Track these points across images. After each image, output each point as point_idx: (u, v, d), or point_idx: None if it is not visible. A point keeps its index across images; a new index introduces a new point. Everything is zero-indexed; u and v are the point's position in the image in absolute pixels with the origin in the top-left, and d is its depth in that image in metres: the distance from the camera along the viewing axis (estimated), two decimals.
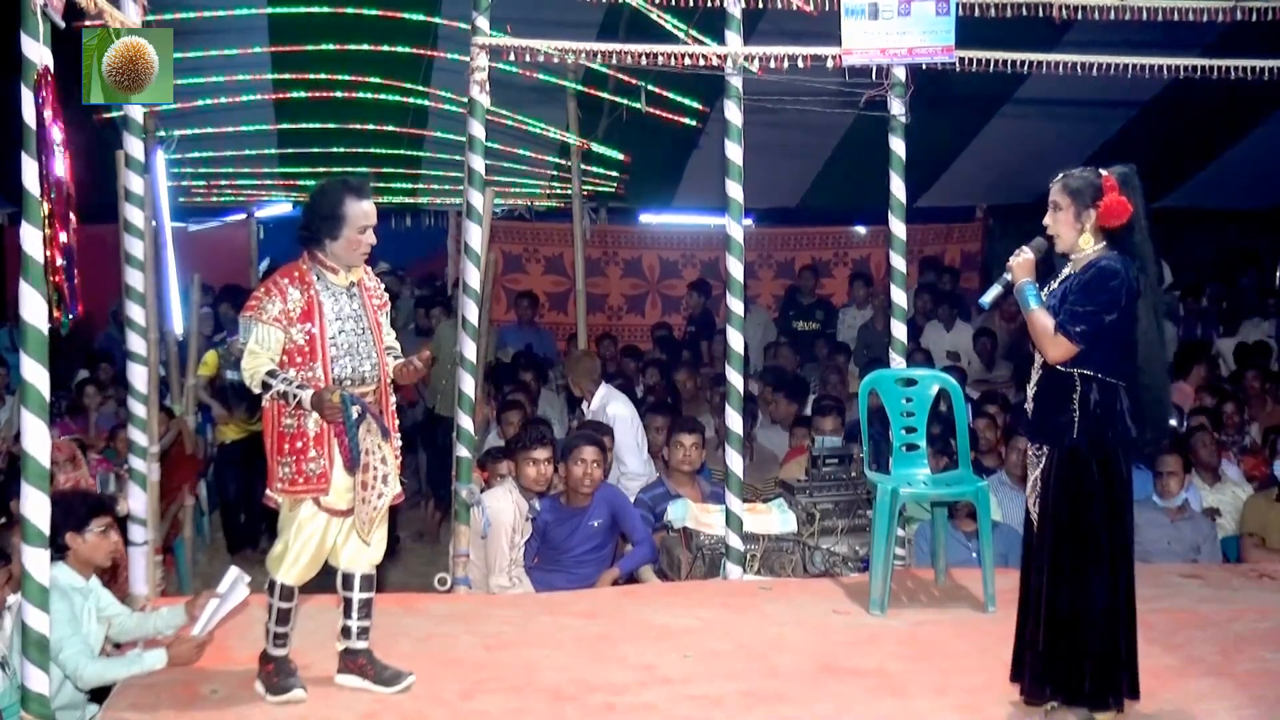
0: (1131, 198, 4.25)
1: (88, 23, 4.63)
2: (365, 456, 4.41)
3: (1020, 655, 4.46)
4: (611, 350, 11.02)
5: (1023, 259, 4.39)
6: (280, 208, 13.15)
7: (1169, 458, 6.74)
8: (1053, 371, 4.30)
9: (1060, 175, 4.38)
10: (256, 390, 4.41)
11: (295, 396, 4.31)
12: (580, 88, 9.30)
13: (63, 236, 4.06)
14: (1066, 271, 4.38)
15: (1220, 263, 13.75)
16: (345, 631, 4.64)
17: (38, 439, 4.07)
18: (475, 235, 6.13)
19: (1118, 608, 4.25)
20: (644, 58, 5.90)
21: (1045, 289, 4.43)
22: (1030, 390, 4.42)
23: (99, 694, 4.81)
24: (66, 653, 4.62)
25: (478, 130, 6.01)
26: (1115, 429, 4.23)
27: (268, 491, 4.51)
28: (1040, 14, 5.89)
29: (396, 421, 4.63)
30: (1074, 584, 4.23)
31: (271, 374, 4.34)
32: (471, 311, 6.08)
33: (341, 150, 10.81)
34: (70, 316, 4.13)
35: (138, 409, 5.73)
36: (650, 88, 7.73)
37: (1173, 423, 7.54)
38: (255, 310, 4.39)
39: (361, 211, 4.42)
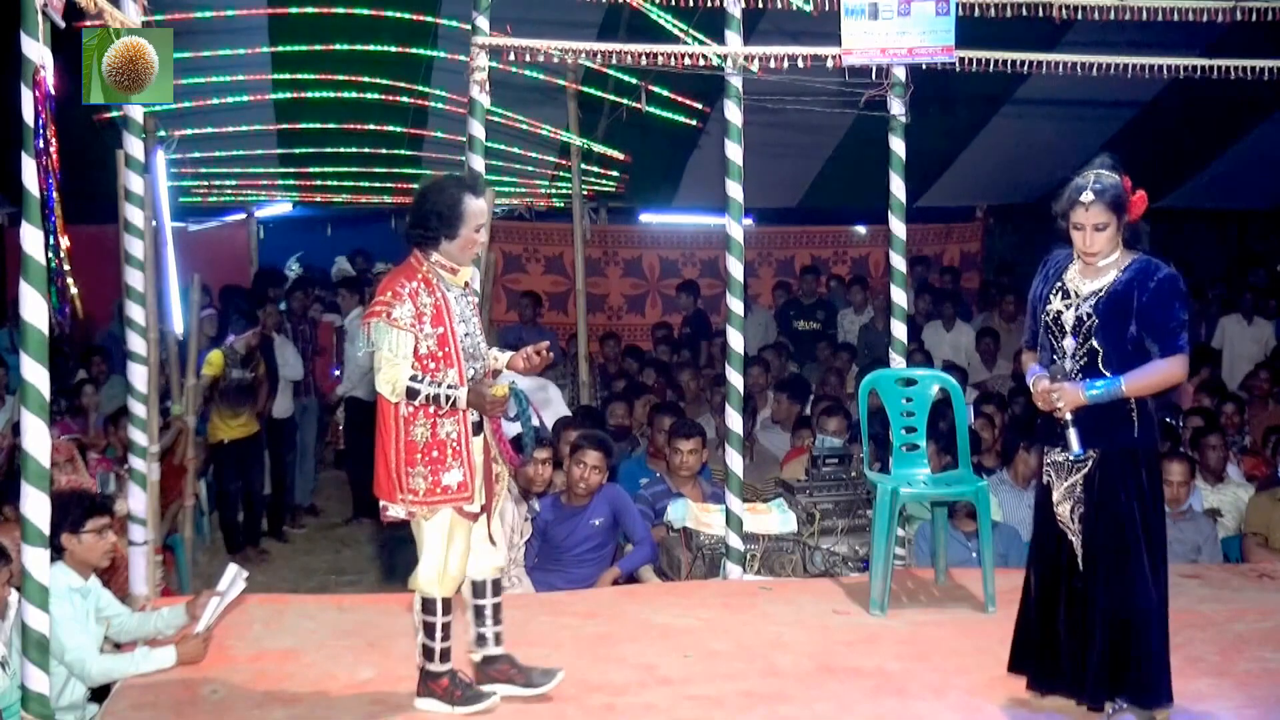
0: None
1: (88, 23, 4.63)
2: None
3: (1049, 660, 4.38)
4: (614, 350, 11.02)
5: (1063, 393, 4.20)
6: (280, 208, 13.15)
7: (1175, 465, 6.69)
8: (1100, 377, 4.22)
9: (1093, 193, 4.19)
10: (396, 400, 4.23)
11: (449, 398, 4.19)
12: (580, 88, 9.31)
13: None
14: (1101, 283, 4.24)
15: (1224, 262, 13.77)
16: (481, 639, 4.55)
17: (38, 439, 4.07)
18: None
19: (1165, 605, 4.26)
20: (644, 58, 5.90)
21: (1062, 290, 4.31)
22: None
23: (99, 694, 4.82)
24: (72, 653, 4.63)
25: (478, 130, 6.01)
26: (1158, 425, 4.24)
27: (389, 508, 4.33)
28: (1040, 14, 5.89)
29: None
30: (1139, 585, 4.18)
31: (415, 379, 4.20)
32: None
33: (341, 150, 10.82)
34: (59, 318, 4.12)
35: (138, 409, 5.73)
36: (650, 88, 7.73)
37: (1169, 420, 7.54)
38: (384, 316, 4.21)
39: (479, 209, 4.34)
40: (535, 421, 4.55)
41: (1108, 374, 4.21)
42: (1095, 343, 4.24)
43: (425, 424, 4.25)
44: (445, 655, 4.44)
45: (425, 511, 4.31)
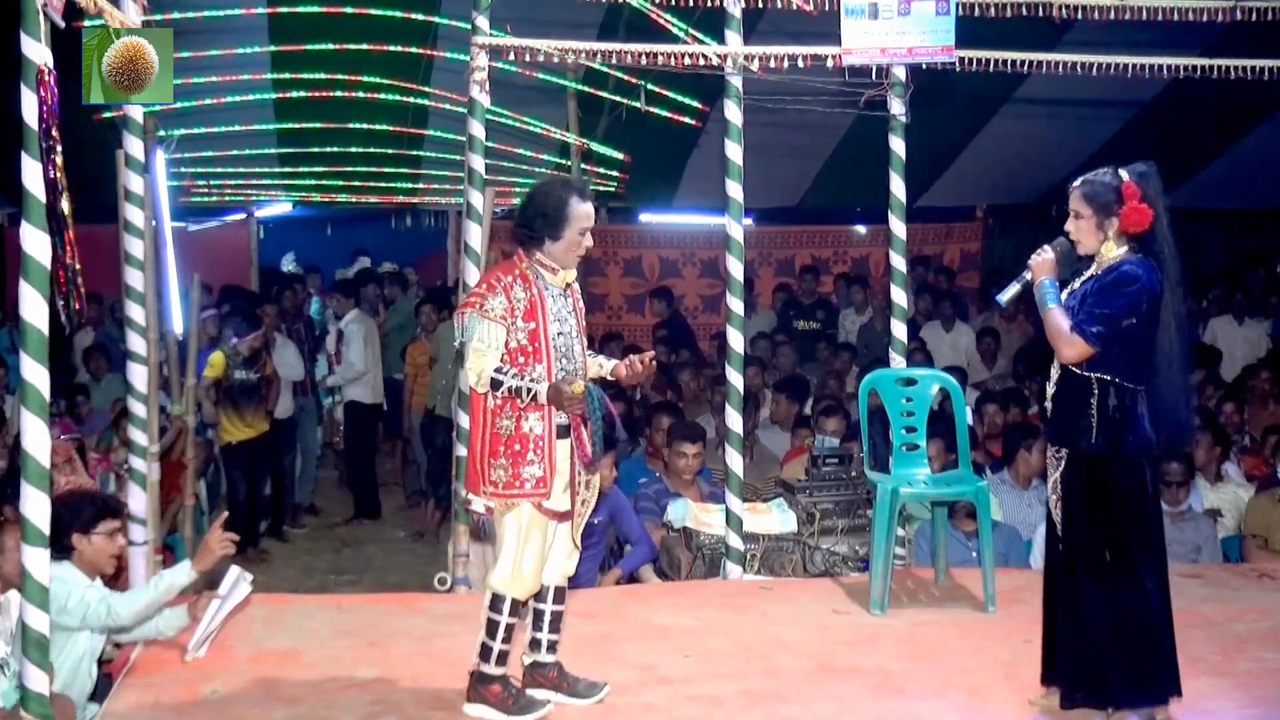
0: (1154, 200, 4.23)
1: (88, 23, 4.62)
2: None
3: (1053, 659, 4.41)
4: (617, 350, 11.02)
5: (1043, 258, 4.34)
6: (280, 208, 13.15)
7: (1175, 466, 6.71)
8: (1071, 374, 4.26)
9: (1080, 181, 4.31)
10: (482, 390, 4.27)
11: (530, 391, 4.19)
12: (580, 87, 9.31)
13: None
14: (1090, 273, 4.33)
15: (1224, 262, 13.77)
16: (534, 644, 4.53)
17: (38, 439, 4.07)
18: (475, 235, 6.13)
19: (1153, 607, 4.25)
20: (644, 58, 5.89)
21: (1066, 289, 4.37)
22: (1050, 390, 4.38)
23: (99, 694, 4.82)
24: (94, 608, 4.64)
25: (478, 130, 6.01)
26: (1135, 433, 4.20)
27: (471, 498, 4.36)
28: (1040, 14, 5.89)
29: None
30: (1105, 588, 4.20)
31: (500, 371, 4.22)
32: None
33: (341, 150, 10.82)
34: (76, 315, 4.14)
35: (138, 409, 5.73)
36: (650, 88, 7.73)
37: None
38: (478, 307, 4.26)
39: (585, 213, 4.33)
40: (609, 425, 4.46)
41: (1075, 365, 4.23)
42: None
43: (510, 417, 4.26)
44: (502, 658, 4.38)
45: (502, 505, 4.30)
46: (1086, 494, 4.24)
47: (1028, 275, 4.38)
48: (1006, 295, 4.49)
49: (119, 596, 4.75)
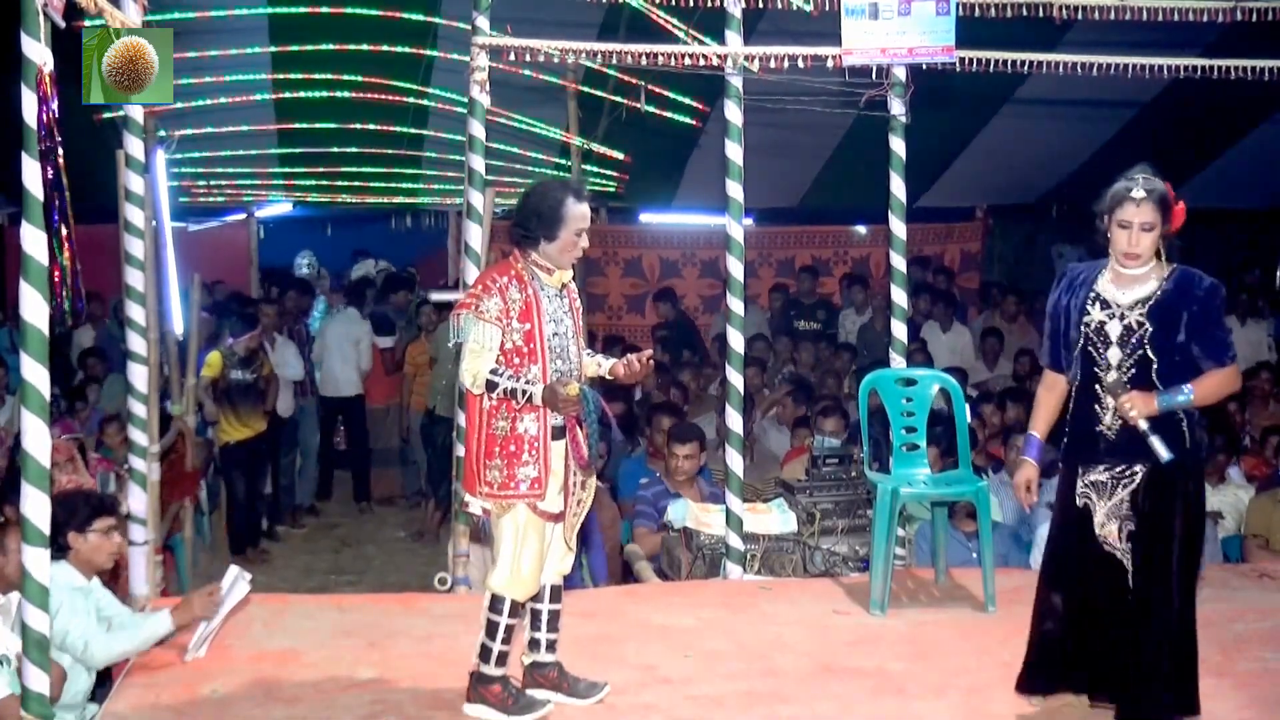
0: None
1: (88, 23, 4.62)
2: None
3: (1109, 676, 4.26)
4: (617, 352, 11.00)
5: (1138, 405, 4.09)
6: (280, 208, 13.15)
7: None
8: (1150, 387, 4.13)
9: (1140, 193, 4.11)
10: (478, 391, 4.27)
11: (525, 393, 4.19)
12: (580, 87, 9.31)
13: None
14: (1144, 291, 4.18)
15: (1224, 262, 13.76)
16: (534, 644, 4.53)
17: (38, 439, 4.07)
18: (475, 235, 6.13)
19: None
20: (644, 58, 5.89)
21: (1091, 301, 4.23)
22: (1111, 412, 4.18)
23: (99, 694, 4.82)
24: (74, 637, 4.63)
25: (478, 130, 6.01)
26: (1203, 436, 4.22)
27: (468, 498, 4.37)
28: (1040, 14, 5.88)
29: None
30: (1189, 600, 4.15)
31: (495, 372, 4.22)
32: None
33: (341, 150, 10.83)
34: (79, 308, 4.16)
35: (138, 409, 5.73)
36: (650, 88, 7.73)
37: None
38: (473, 308, 4.25)
39: (581, 214, 4.33)
40: (602, 429, 4.45)
41: (1159, 384, 4.12)
42: (1149, 352, 4.14)
43: (506, 418, 4.26)
44: (502, 659, 4.38)
45: (498, 507, 4.30)
46: (1177, 507, 4.11)
47: (1144, 425, 4.10)
48: (1163, 450, 4.11)
49: (101, 639, 4.71)
